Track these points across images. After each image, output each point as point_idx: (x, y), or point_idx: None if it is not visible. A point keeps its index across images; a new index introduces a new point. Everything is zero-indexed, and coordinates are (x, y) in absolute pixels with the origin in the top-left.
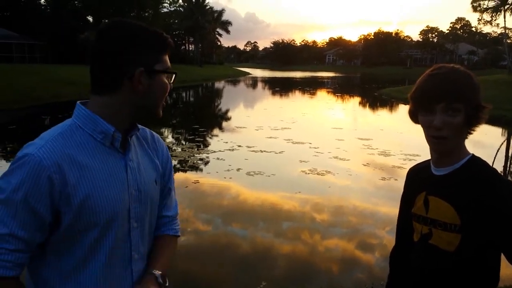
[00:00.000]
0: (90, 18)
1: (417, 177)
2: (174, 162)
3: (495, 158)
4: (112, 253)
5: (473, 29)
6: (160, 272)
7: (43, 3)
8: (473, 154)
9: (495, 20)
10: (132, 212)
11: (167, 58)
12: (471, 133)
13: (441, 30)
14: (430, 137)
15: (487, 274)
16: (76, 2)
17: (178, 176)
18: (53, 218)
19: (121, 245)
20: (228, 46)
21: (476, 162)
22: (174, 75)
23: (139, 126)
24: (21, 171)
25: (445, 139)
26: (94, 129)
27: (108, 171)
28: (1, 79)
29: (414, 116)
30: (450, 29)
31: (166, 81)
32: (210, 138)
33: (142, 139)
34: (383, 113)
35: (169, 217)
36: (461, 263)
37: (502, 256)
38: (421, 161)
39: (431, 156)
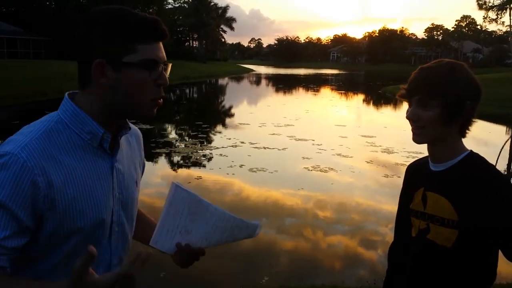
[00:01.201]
0: None
1: (416, 173)
2: (177, 158)
3: (499, 156)
4: None
5: (478, 27)
6: None
7: None
8: (471, 150)
9: (500, 18)
10: (115, 216)
11: (150, 47)
12: (465, 131)
13: (446, 28)
14: (411, 129)
15: (484, 271)
16: None
17: (181, 172)
18: (35, 223)
19: (102, 250)
20: (232, 43)
21: (474, 158)
22: (168, 67)
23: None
24: (3, 172)
25: (420, 129)
26: (81, 129)
27: (95, 174)
28: (5, 74)
29: None
30: (455, 26)
31: (143, 75)
32: (213, 134)
33: (128, 136)
34: (387, 111)
35: None
36: (458, 259)
37: (500, 253)
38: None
39: (428, 152)
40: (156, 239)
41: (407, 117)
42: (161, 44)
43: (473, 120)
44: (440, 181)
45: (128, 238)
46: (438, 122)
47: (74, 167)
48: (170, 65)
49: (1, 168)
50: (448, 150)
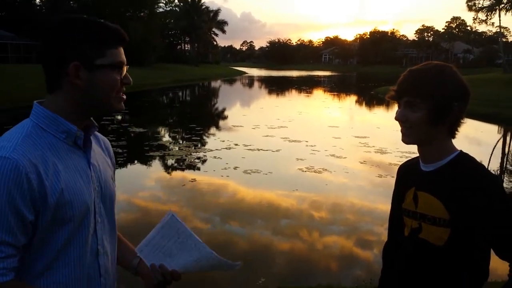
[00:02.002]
0: None
1: (407, 173)
2: (172, 161)
3: (491, 155)
4: (83, 248)
5: (469, 28)
6: None
7: (38, 3)
8: (461, 151)
9: (490, 19)
10: (96, 207)
11: (117, 52)
12: (455, 131)
13: (437, 29)
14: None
15: (476, 269)
16: (71, 2)
17: (175, 175)
18: (35, 218)
19: (90, 240)
20: (224, 46)
21: (464, 158)
22: (125, 68)
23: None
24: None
25: (409, 130)
26: (56, 130)
27: (75, 169)
28: None
29: None
30: (445, 28)
31: (115, 76)
32: (207, 137)
33: (96, 139)
34: (379, 112)
35: None
36: (450, 257)
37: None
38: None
39: (418, 152)
40: (141, 248)
41: (396, 118)
42: (122, 49)
43: (462, 121)
44: (431, 181)
45: (109, 231)
46: (425, 123)
47: (57, 164)
48: (127, 67)
49: None
50: (438, 151)
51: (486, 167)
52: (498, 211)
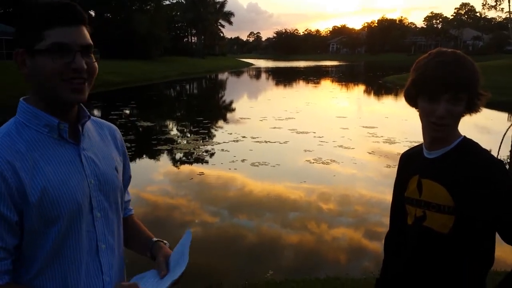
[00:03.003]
0: (92, 13)
1: (410, 161)
2: (179, 155)
3: (501, 143)
4: (78, 246)
5: (478, 14)
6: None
7: None
8: (464, 136)
9: (499, 5)
10: (94, 202)
11: (58, 32)
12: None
13: (446, 16)
14: (430, 124)
15: (482, 256)
16: None
17: (183, 169)
18: (19, 218)
19: (86, 237)
20: (231, 37)
21: (468, 143)
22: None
23: (95, 118)
24: None
25: (446, 126)
26: (38, 124)
27: (62, 163)
28: (6, 76)
29: (413, 100)
30: (454, 14)
31: (54, 60)
32: (215, 129)
33: (99, 128)
34: (387, 101)
35: (129, 201)
36: (455, 244)
37: (498, 239)
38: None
39: (424, 140)
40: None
41: (438, 115)
42: (77, 28)
43: None
44: (435, 168)
45: (114, 223)
46: (461, 115)
47: (39, 160)
48: (91, 52)
49: None
50: (448, 137)
51: (496, 155)
52: (504, 196)
